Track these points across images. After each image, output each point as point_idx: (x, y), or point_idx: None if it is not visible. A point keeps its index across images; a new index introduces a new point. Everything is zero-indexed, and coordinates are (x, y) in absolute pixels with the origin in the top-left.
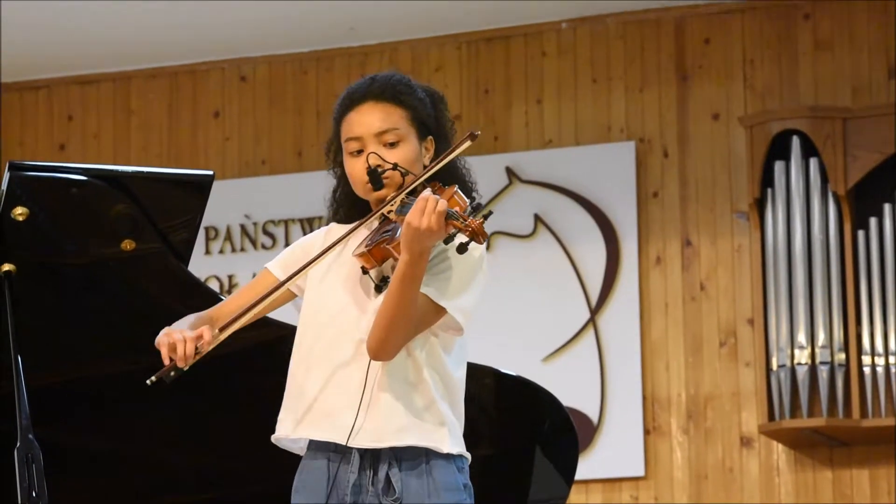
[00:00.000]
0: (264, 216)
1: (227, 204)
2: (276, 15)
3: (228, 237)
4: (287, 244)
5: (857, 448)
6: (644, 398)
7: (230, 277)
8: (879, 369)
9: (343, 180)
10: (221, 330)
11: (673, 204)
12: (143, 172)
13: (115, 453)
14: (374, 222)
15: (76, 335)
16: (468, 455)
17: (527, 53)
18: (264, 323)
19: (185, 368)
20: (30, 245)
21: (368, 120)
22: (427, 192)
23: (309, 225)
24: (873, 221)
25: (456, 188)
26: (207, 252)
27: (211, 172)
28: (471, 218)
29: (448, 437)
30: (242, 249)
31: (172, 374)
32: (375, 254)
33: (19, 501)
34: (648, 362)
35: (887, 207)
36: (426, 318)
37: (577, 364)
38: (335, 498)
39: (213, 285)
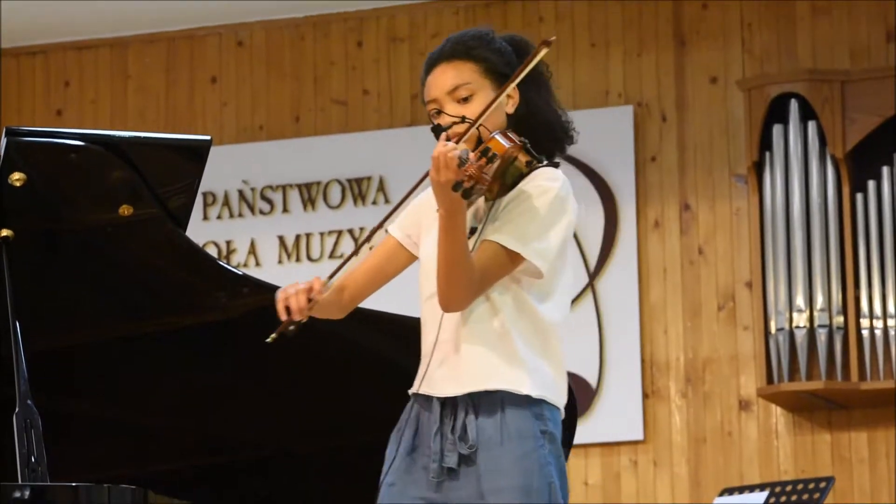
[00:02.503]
0: (262, 182)
1: (224, 169)
2: None
3: (226, 203)
4: (285, 210)
5: (856, 411)
6: (643, 362)
7: (228, 243)
8: (878, 332)
9: None
10: (330, 277)
11: (671, 168)
12: (140, 138)
13: (113, 418)
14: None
15: (74, 301)
16: (555, 402)
17: (524, 19)
18: (265, 288)
19: (303, 321)
20: (27, 210)
21: (440, 81)
22: (440, 144)
23: (307, 190)
24: (871, 184)
25: (496, 132)
26: (205, 218)
27: (208, 138)
28: (472, 162)
29: (527, 380)
30: (240, 215)
31: (291, 327)
32: None
33: (18, 467)
34: (647, 326)
35: (885, 170)
36: (501, 265)
37: (575, 329)
38: (416, 445)
39: (211, 251)
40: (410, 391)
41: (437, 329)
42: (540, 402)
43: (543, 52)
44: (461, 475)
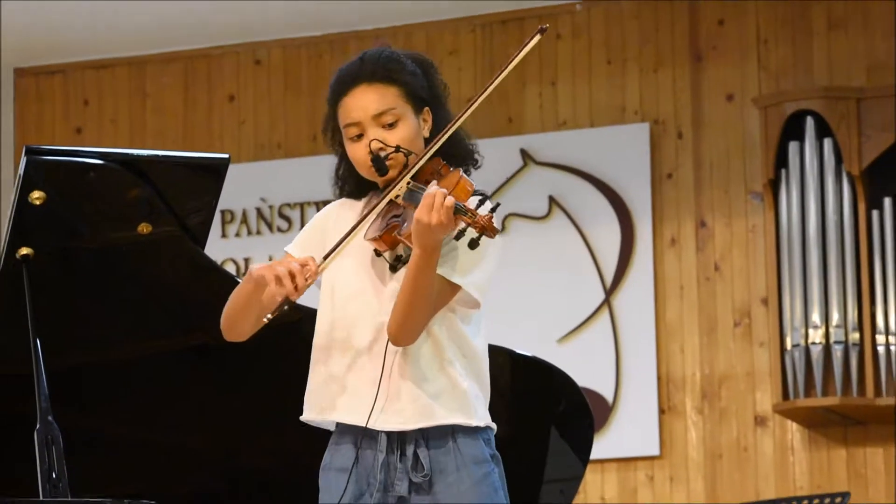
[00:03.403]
0: (280, 199)
1: (242, 187)
2: None
3: (244, 220)
4: (303, 227)
5: (872, 427)
6: (659, 378)
7: (246, 261)
8: (893, 348)
9: (344, 158)
10: (325, 258)
11: (687, 185)
12: (158, 156)
13: (132, 435)
14: (382, 204)
15: (93, 318)
16: (494, 426)
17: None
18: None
19: (296, 300)
20: (47, 229)
21: (363, 104)
22: (433, 188)
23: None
24: (888, 201)
25: (461, 173)
26: (224, 235)
27: (226, 156)
28: (479, 213)
29: (473, 412)
30: (258, 232)
31: (286, 307)
32: (386, 240)
33: (39, 483)
34: (663, 343)
35: None
36: (442, 297)
37: (592, 345)
38: (362, 477)
39: (230, 269)
40: (338, 420)
41: (381, 363)
42: (486, 429)
43: (537, 38)
44: (411, 503)
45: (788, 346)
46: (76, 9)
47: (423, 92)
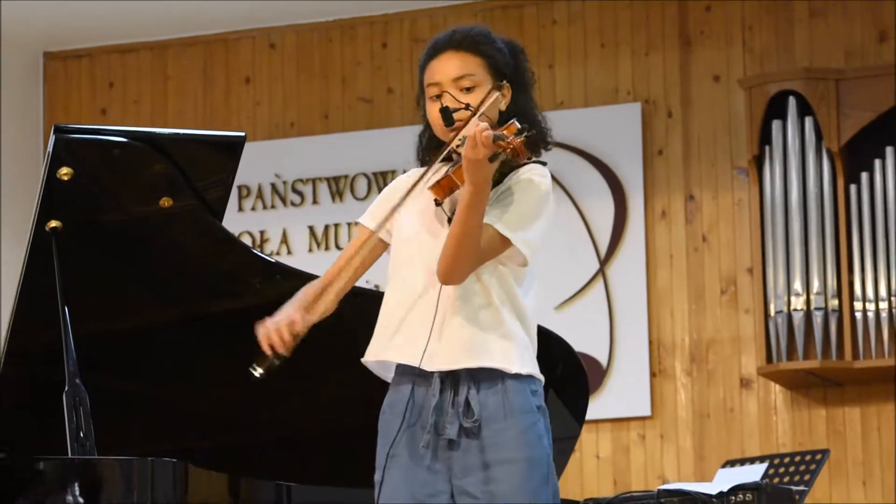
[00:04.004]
0: (293, 175)
1: (258, 164)
2: None
3: (260, 195)
4: (315, 202)
5: (850, 388)
6: (650, 343)
7: (262, 233)
8: (870, 314)
9: (429, 126)
10: (308, 311)
11: (677, 161)
12: (179, 134)
13: (156, 397)
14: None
15: (118, 287)
16: (541, 377)
17: (538, 21)
18: (296, 275)
19: (287, 355)
20: (74, 203)
21: (447, 67)
22: (472, 123)
23: (335, 183)
24: (864, 176)
25: (514, 120)
26: (240, 209)
27: (243, 134)
28: (513, 138)
29: (517, 359)
30: (273, 207)
31: (277, 362)
32: (444, 184)
33: (68, 441)
34: (654, 310)
35: (878, 163)
36: (493, 248)
37: (587, 312)
38: (415, 418)
39: (246, 240)
40: (391, 359)
41: (434, 305)
42: (533, 379)
43: (495, 94)
44: (461, 446)
45: (772, 312)
46: None
47: (507, 69)
